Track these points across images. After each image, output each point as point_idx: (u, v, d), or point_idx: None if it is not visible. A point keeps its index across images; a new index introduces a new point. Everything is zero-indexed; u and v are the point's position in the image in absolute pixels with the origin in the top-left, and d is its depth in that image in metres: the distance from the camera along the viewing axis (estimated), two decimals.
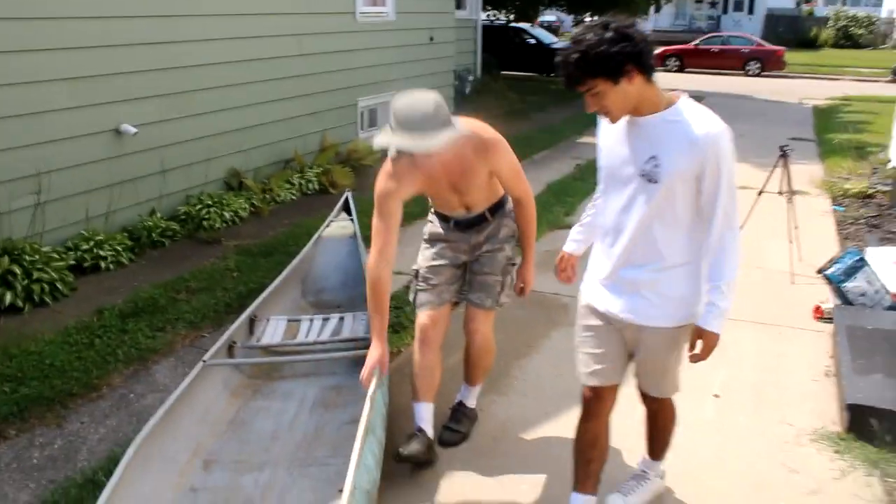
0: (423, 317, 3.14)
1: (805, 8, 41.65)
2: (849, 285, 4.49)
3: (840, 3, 43.03)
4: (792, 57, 24.73)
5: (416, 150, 2.63)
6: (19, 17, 4.87)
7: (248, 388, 3.55)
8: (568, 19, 28.81)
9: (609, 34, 2.08)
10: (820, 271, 4.70)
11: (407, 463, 2.98)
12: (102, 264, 5.21)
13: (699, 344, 2.35)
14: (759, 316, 4.67)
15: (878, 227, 6.57)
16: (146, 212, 6.00)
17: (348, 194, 4.79)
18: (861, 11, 39.47)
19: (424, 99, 2.64)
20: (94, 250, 5.23)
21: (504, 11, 19.87)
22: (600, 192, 2.52)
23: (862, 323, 4.16)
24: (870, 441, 3.25)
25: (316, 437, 3.21)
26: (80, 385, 3.67)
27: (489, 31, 17.16)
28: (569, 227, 2.41)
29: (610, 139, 2.38)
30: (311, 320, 3.88)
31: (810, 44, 36.19)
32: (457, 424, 3.33)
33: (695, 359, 2.38)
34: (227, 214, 6.34)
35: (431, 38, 10.54)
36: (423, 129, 2.58)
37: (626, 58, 2.09)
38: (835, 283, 4.56)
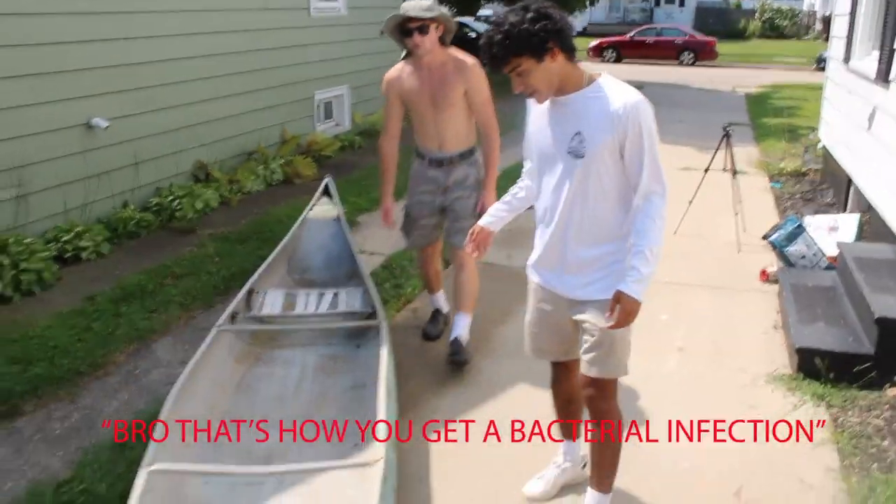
0: (418, 253, 4.24)
1: (733, 0, 43.15)
2: (790, 249, 4.96)
3: None
4: (723, 48, 25.75)
5: (415, 13, 3.50)
6: None
7: (250, 356, 3.76)
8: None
9: (530, 14, 2.17)
10: (765, 237, 5.16)
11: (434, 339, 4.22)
12: (83, 255, 5.33)
13: (617, 309, 2.27)
14: (711, 280, 5.10)
15: (812, 200, 7.13)
16: (120, 204, 6.11)
17: (328, 180, 5.02)
18: (784, 4, 41.14)
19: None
20: (75, 241, 5.34)
21: (447, 6, 20.24)
22: (531, 174, 2.57)
23: (804, 281, 4.62)
24: (816, 379, 3.69)
25: (321, 399, 3.45)
26: (87, 364, 3.84)
27: None
28: None
29: (538, 122, 2.43)
30: (308, 294, 4.11)
31: (739, 34, 37.66)
32: (458, 355, 3.84)
33: (612, 326, 2.29)
34: (198, 205, 6.49)
35: (382, 32, 10.74)
36: (422, 8, 3.53)
37: (548, 35, 2.17)
38: (778, 248, 5.02)
